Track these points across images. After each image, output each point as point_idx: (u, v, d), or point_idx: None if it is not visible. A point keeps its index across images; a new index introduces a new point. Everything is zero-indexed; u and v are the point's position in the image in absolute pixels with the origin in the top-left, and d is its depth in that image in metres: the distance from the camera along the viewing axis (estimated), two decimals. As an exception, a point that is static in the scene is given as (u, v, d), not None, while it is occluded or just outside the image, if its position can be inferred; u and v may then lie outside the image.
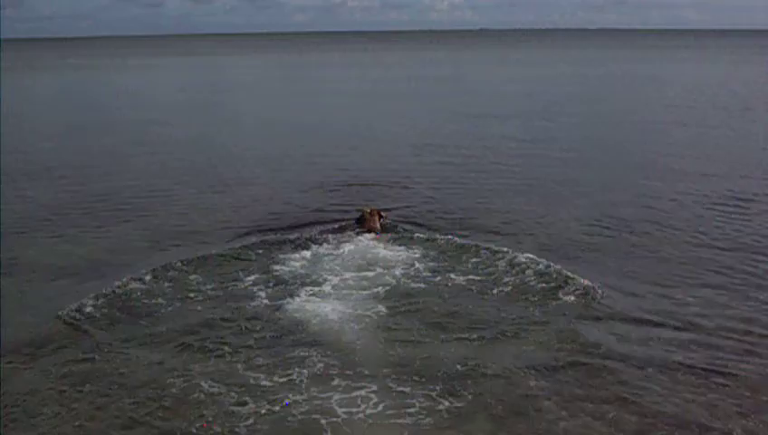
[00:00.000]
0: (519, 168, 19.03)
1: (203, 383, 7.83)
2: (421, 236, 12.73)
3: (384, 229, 13.09)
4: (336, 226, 13.47)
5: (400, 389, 7.76)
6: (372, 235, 12.72)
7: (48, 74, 71.20)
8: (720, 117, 28.98)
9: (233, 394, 7.66)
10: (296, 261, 11.62)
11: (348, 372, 8.11)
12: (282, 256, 11.80)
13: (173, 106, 38.33)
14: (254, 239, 12.76)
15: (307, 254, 11.89)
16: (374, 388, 7.77)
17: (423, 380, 7.89)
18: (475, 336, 8.94)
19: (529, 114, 30.87)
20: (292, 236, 12.82)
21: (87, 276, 11.04)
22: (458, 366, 8.13)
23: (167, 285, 10.65)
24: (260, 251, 12.08)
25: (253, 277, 10.98)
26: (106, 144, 24.42)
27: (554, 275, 10.58)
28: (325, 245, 12.37)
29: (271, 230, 13.36)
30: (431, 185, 17.15)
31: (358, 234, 12.82)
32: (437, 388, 7.70)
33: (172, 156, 21.81)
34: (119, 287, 10.31)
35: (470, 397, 7.56)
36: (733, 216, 14.02)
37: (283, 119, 32.09)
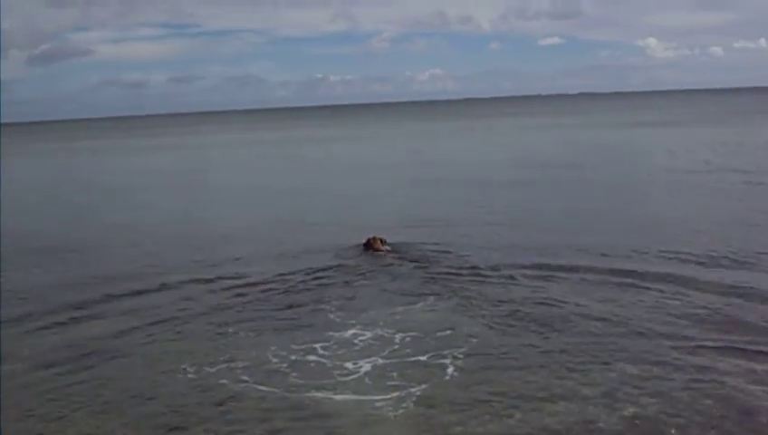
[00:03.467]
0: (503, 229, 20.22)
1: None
2: (412, 255, 16.91)
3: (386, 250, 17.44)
4: (347, 254, 17.32)
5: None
6: (379, 252, 17.35)
7: (29, 160, 70.86)
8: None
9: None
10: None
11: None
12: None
13: (157, 187, 38.32)
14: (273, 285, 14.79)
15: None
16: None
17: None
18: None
19: (510, 182, 31.70)
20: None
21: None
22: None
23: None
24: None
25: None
26: (86, 229, 24.54)
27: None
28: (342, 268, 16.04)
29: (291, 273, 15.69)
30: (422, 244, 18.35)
31: (368, 252, 17.39)
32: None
33: (164, 237, 21.90)
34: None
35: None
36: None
37: (274, 193, 32.72)
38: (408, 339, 11.27)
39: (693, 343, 10.63)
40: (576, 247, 17.19)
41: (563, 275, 14.76)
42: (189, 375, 10.28)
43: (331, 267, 16.17)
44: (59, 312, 13.84)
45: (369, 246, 17.76)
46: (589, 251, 16.85)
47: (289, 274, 15.68)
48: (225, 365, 10.56)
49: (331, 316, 12.65)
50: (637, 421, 8.39)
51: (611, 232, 19.49)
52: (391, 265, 16.29)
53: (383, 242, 17.77)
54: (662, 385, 9.25)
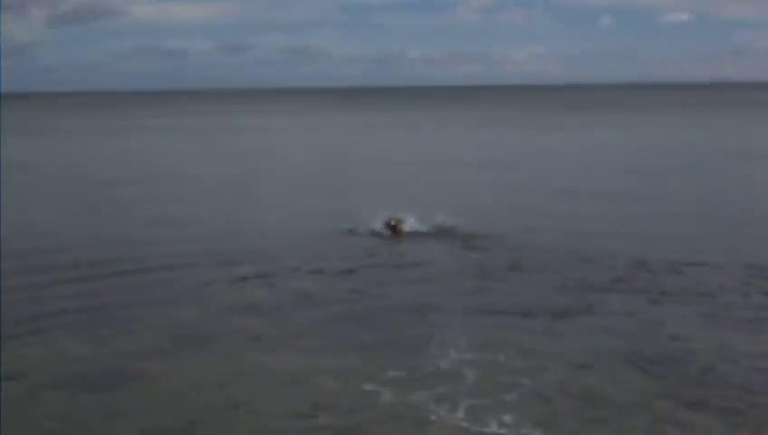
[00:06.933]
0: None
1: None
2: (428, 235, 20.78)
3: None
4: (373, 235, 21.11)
5: None
6: (398, 234, 21.10)
7: (42, 139, 67.58)
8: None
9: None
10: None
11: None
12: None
13: (192, 176, 37.90)
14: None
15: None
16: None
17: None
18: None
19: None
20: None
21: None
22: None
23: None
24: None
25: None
26: (94, 220, 25.48)
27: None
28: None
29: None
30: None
31: (390, 236, 21.00)
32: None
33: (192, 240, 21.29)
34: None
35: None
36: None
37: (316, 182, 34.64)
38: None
39: None
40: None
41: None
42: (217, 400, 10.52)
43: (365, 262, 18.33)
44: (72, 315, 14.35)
45: (393, 230, 20.81)
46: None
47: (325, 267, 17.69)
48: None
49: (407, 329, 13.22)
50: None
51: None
52: (436, 253, 19.18)
53: (401, 222, 20.53)
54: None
